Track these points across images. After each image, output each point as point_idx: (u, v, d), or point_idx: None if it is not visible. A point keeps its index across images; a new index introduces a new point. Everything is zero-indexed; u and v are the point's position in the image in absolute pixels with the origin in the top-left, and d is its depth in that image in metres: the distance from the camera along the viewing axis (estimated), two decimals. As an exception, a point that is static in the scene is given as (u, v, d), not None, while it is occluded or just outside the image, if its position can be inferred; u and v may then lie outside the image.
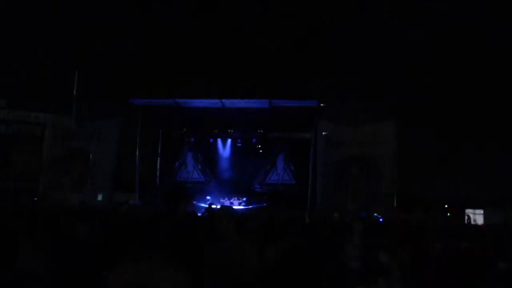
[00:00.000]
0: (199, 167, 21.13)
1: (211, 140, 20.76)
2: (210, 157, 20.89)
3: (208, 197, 18.58)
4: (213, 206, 14.45)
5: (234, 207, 18.73)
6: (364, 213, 10.68)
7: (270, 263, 3.24)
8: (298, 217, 9.01)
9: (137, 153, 17.77)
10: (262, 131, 20.03)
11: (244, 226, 4.24)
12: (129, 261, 2.82)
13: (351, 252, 3.77)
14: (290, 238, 4.59)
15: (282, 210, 14.80)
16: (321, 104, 16.39)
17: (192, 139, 21.03)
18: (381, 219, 11.78)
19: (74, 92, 17.02)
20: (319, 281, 3.36)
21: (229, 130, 20.50)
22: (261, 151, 20.65)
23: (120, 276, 2.73)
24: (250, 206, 18.76)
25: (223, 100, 17.24)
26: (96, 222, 5.31)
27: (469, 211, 18.75)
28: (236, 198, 19.36)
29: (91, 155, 16.46)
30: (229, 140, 20.67)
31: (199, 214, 8.90)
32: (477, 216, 19.43)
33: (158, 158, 20.19)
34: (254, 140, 20.48)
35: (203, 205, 16.79)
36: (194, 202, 18.44)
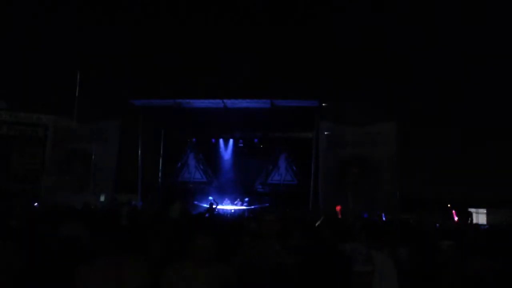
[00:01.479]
0: (201, 167, 21.18)
1: (213, 140, 20.82)
2: (212, 158, 20.95)
3: (210, 198, 18.62)
4: (214, 206, 14.50)
5: (237, 207, 18.78)
6: (366, 214, 10.66)
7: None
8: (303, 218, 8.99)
9: (139, 153, 17.77)
10: (263, 131, 20.04)
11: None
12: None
13: (349, 253, 3.76)
14: (296, 239, 4.60)
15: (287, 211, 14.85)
16: (323, 104, 16.37)
17: (194, 139, 21.09)
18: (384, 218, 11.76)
19: (76, 93, 17.07)
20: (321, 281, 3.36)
21: (230, 131, 20.53)
22: (262, 151, 20.66)
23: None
24: (252, 207, 18.77)
25: (225, 100, 17.24)
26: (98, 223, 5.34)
27: (471, 211, 18.69)
28: (238, 199, 19.39)
29: (93, 156, 16.48)
30: (231, 141, 20.72)
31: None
32: (479, 216, 19.38)
33: (160, 159, 20.21)
34: (255, 140, 20.51)
35: (205, 205, 16.82)
36: (196, 202, 18.49)
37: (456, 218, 12.85)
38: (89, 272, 2.75)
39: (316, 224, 5.73)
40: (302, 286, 3.40)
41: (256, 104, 17.47)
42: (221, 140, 20.79)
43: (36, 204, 12.11)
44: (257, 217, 5.85)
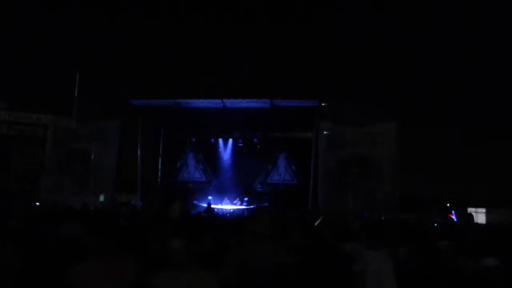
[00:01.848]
0: (201, 167, 21.18)
1: (212, 140, 20.83)
2: (211, 157, 20.95)
3: (210, 197, 18.63)
4: (212, 206, 14.49)
5: (236, 207, 18.79)
6: (366, 214, 10.66)
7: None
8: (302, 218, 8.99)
9: (138, 153, 17.75)
10: (263, 131, 20.04)
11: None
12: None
13: (349, 253, 3.78)
14: (295, 239, 4.60)
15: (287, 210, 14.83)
16: (323, 104, 16.36)
17: (193, 139, 21.09)
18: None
19: (75, 93, 17.05)
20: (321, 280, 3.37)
21: (230, 130, 20.53)
22: (262, 151, 20.66)
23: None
24: (252, 206, 18.78)
25: (224, 100, 17.22)
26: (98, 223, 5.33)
27: (471, 210, 18.72)
28: (237, 198, 19.41)
29: (92, 156, 16.47)
30: (230, 140, 20.73)
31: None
32: (479, 215, 19.37)
33: (159, 159, 20.20)
34: (255, 140, 20.52)
35: (204, 205, 16.84)
36: (195, 202, 18.50)
37: (455, 219, 12.83)
38: (88, 272, 2.75)
39: (316, 224, 5.74)
40: (302, 286, 3.41)
41: (255, 104, 17.45)
42: (220, 140, 20.80)
43: (36, 204, 12.09)
44: (251, 217, 5.85)
